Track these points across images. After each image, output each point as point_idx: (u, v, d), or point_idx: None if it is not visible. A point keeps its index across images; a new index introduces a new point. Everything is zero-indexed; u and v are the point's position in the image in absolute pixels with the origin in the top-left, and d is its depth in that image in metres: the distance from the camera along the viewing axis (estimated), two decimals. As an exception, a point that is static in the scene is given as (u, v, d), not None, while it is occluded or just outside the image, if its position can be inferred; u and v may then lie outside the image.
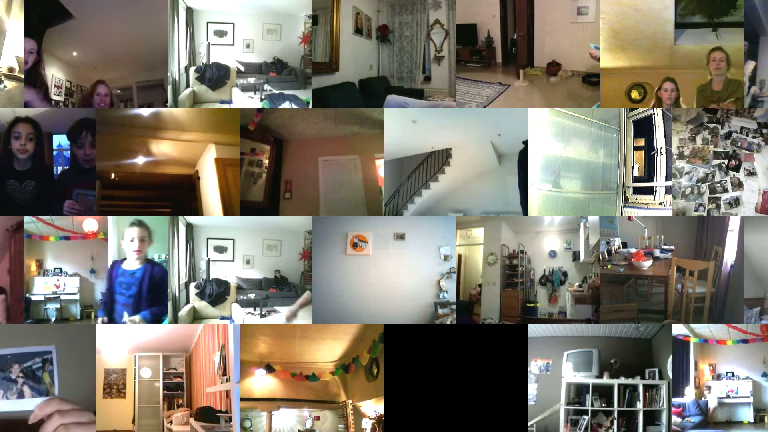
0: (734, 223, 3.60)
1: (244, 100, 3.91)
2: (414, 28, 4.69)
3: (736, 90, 3.54)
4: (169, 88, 3.77)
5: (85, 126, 3.58)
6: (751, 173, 3.60)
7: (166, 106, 3.77)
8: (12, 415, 2.75)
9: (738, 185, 3.59)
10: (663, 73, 3.66)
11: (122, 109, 3.76)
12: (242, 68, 4.08)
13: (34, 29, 3.60)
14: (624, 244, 4.05)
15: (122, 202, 3.86)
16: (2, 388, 2.89)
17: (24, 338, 3.44)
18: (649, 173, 4.08)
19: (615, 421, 3.75)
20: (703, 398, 3.86)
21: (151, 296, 3.72)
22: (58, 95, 3.78)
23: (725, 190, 3.61)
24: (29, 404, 2.43)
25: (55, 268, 3.98)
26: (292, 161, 4.52)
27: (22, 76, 3.56)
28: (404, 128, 3.94)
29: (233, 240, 4.21)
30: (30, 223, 3.62)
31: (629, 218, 3.96)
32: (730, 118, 3.61)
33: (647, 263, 3.95)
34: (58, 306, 3.93)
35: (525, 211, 3.62)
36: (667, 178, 3.76)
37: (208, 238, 4.22)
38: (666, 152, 3.82)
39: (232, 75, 4.07)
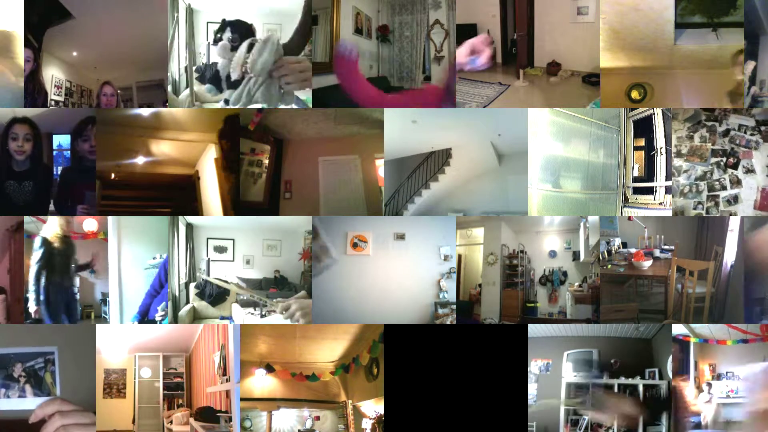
0: (734, 223, 3.60)
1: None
2: (414, 28, 4.68)
3: None
4: (169, 88, 3.77)
5: (91, 121, 3.61)
6: (750, 171, 3.61)
7: (166, 106, 3.78)
8: (13, 414, 2.72)
9: (737, 183, 3.59)
10: (663, 73, 3.66)
11: (122, 109, 3.76)
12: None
13: (34, 29, 3.60)
14: (624, 244, 4.05)
15: (122, 202, 3.86)
16: (4, 387, 2.85)
17: (25, 338, 3.43)
18: (649, 173, 4.08)
19: (615, 422, 3.75)
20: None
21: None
22: (58, 95, 3.78)
23: (724, 188, 3.61)
24: (31, 404, 2.40)
25: (55, 268, 3.98)
26: (292, 161, 4.52)
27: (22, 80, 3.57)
28: (404, 128, 3.94)
29: (233, 240, 4.21)
30: (30, 223, 3.62)
31: (629, 218, 3.96)
32: (728, 115, 3.61)
33: (647, 263, 3.95)
34: (58, 306, 3.93)
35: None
36: (667, 178, 3.76)
37: (208, 238, 4.22)
38: (666, 152, 3.82)
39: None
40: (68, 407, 2.01)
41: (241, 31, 3.78)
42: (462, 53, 3.53)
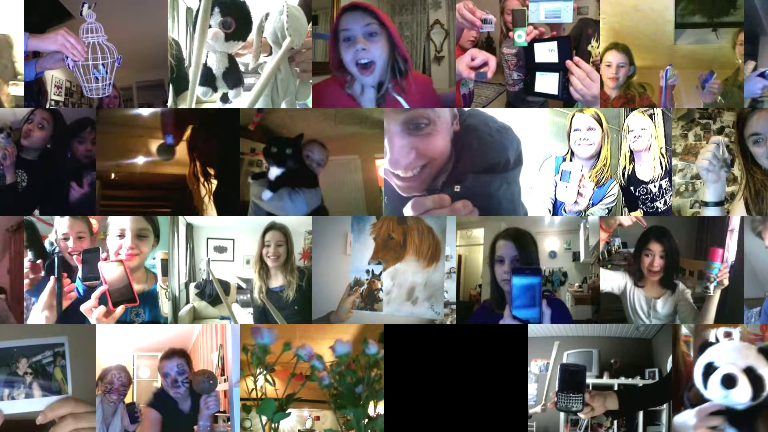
0: (734, 223, 3.60)
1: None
2: (414, 28, 4.66)
3: None
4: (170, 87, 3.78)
5: (89, 123, 3.62)
6: (746, 169, 3.60)
7: (166, 106, 3.78)
8: (20, 417, 2.44)
9: (733, 180, 3.59)
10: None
11: (122, 109, 3.76)
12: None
13: (34, 29, 3.61)
14: (624, 244, 4.05)
15: (122, 202, 3.86)
16: (8, 387, 2.51)
17: (29, 329, 3.36)
18: (649, 173, 4.08)
19: (615, 422, 3.75)
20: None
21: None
22: (58, 95, 3.79)
23: (721, 186, 3.61)
24: (40, 404, 2.16)
25: (55, 268, 3.98)
26: (292, 161, 4.50)
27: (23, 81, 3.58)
28: (404, 128, 3.93)
29: (233, 240, 4.20)
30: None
31: (629, 218, 3.96)
32: (722, 113, 3.61)
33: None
34: (58, 306, 3.92)
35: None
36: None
37: (208, 238, 4.21)
38: (666, 152, 3.83)
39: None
40: (82, 408, 1.87)
41: (234, 12, 3.56)
42: (465, 64, 3.55)
